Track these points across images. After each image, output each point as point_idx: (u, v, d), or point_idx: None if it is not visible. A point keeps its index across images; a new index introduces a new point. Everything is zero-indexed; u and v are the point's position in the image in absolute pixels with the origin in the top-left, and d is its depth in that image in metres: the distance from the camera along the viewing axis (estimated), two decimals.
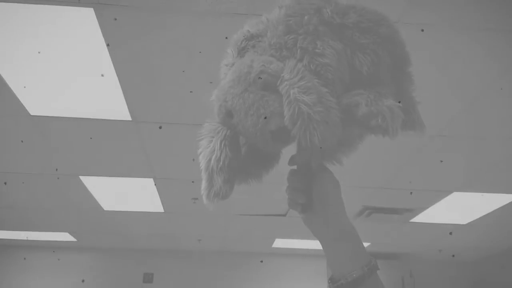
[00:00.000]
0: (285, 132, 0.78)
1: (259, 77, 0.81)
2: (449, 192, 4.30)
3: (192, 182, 3.78)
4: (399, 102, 0.84)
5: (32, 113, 3.03)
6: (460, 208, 4.76)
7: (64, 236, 6.46)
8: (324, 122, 0.76)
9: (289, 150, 0.93)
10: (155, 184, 4.31)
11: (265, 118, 0.79)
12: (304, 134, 0.76)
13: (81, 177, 4.15)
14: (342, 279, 0.84)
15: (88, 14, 2.16)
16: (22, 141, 3.39)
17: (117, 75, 2.63)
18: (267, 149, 0.88)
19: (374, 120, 0.81)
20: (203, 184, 0.87)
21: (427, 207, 4.77)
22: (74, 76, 2.67)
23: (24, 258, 6.86)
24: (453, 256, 6.55)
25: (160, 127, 3.10)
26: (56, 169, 3.88)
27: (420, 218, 5.15)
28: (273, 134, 0.80)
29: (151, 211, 5.17)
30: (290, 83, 0.78)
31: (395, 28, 0.90)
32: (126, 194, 4.67)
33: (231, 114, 0.83)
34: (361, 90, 0.83)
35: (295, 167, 0.93)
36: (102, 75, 2.75)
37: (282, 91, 0.79)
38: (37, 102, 2.93)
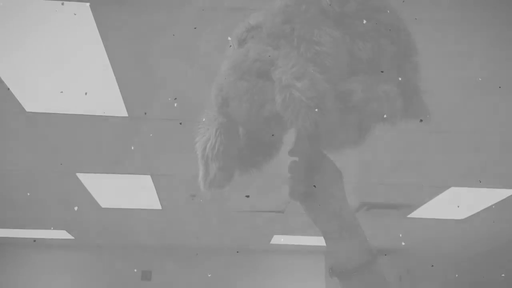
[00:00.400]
0: (278, 118, 0.78)
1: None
2: (446, 187, 4.30)
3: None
4: (401, 89, 0.84)
5: (27, 110, 3.02)
6: (458, 203, 4.76)
7: (62, 234, 6.45)
8: (317, 107, 0.76)
9: (291, 143, 0.93)
10: (153, 181, 4.31)
11: (260, 105, 0.80)
12: (296, 119, 0.76)
13: (78, 174, 4.14)
14: (342, 268, 0.84)
15: (83, 9, 2.14)
16: (18, 138, 3.38)
17: (113, 71, 2.61)
18: (263, 137, 0.89)
19: (369, 106, 0.81)
20: (200, 173, 0.88)
21: (425, 203, 4.78)
22: (70, 72, 2.66)
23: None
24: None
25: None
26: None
27: (418, 213, 5.15)
28: (267, 121, 0.80)
29: (148, 208, 5.16)
30: (283, 69, 0.79)
31: (398, 16, 0.90)
32: (123, 191, 4.66)
33: (227, 103, 0.84)
34: (359, 77, 0.83)
35: (296, 158, 0.93)
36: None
37: (275, 78, 0.79)
38: (32, 99, 2.91)
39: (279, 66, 0.80)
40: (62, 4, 2.03)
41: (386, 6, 0.89)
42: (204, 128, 0.89)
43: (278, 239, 6.63)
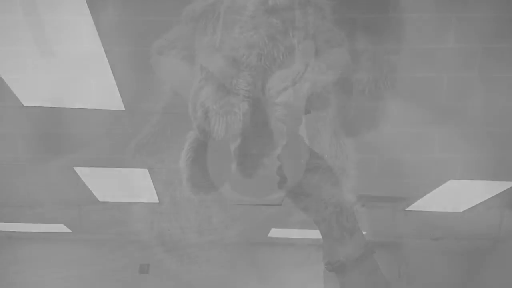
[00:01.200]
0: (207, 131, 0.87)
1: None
2: (445, 180, 4.30)
3: None
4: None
5: (25, 104, 3.00)
6: (456, 196, 4.75)
7: (59, 228, 6.44)
8: (228, 114, 0.83)
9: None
10: (150, 175, 4.30)
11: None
12: (212, 129, 0.85)
13: (76, 168, 4.13)
14: (339, 263, 0.84)
15: (80, 3, 2.12)
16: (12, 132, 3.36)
17: (110, 64, 2.60)
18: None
19: (279, 99, 0.85)
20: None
21: (423, 195, 4.77)
22: (67, 65, 2.64)
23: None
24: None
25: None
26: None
27: (416, 206, 5.15)
28: (204, 136, 0.91)
29: (146, 202, 5.14)
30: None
31: None
32: (121, 184, 4.65)
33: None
34: (285, 71, 0.86)
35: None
36: None
37: None
38: (30, 93, 2.90)
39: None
40: None
41: None
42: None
43: (276, 232, 6.63)
